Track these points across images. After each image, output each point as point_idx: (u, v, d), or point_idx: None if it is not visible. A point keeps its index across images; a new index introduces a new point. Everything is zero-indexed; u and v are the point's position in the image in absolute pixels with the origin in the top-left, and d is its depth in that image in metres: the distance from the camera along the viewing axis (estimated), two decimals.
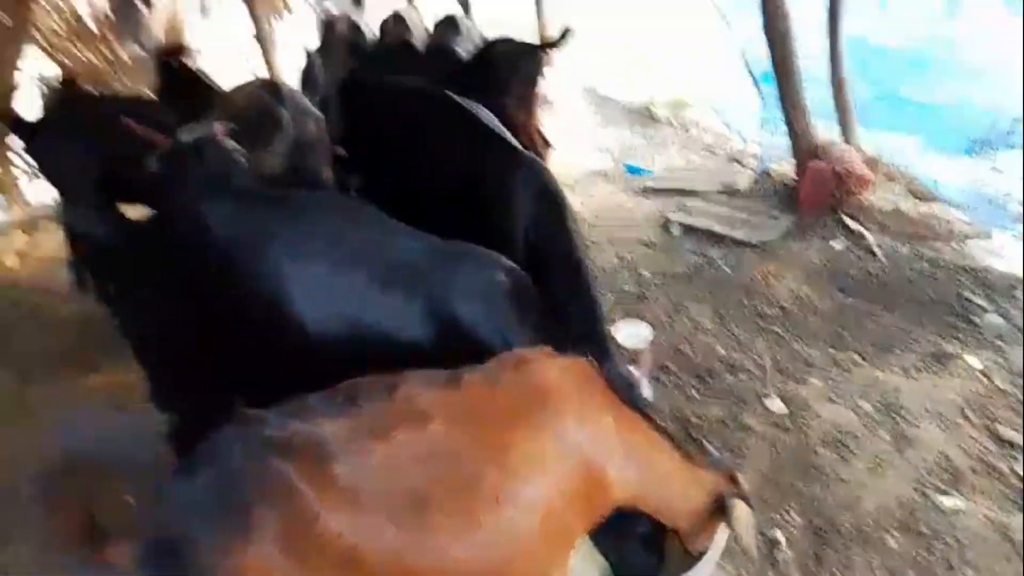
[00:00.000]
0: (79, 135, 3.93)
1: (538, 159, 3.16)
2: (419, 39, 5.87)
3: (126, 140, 3.80)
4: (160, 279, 2.65)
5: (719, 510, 2.08)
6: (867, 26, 5.45)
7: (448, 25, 5.58)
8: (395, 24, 5.85)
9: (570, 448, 1.83)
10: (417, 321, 2.40)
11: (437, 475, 1.60)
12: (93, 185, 3.06)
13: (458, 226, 2.71)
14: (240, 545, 1.41)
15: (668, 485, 2.05)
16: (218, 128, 3.02)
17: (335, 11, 6.56)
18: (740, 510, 2.06)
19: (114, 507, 1.67)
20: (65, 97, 4.77)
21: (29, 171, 7.95)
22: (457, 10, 6.07)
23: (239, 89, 4.00)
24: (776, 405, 3.51)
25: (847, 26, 5.13)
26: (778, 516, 2.94)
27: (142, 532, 1.43)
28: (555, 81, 6.88)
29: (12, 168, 7.62)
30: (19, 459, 3.68)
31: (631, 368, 2.88)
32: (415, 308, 2.40)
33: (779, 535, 2.85)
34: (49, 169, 4.69)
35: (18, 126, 4.63)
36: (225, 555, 1.40)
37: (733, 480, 2.15)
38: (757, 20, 4.95)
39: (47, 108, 4.78)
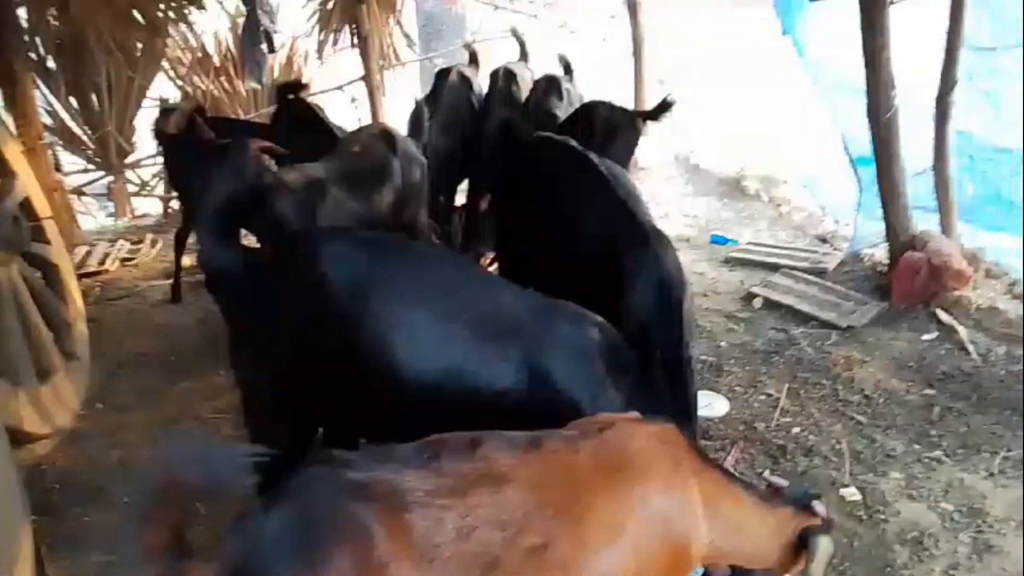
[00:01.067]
0: (204, 157, 4.16)
1: (669, 241, 3.14)
2: (524, 95, 6.05)
3: (245, 167, 4.06)
4: (268, 309, 2.78)
5: (803, 544, 2.04)
6: (977, 122, 5.33)
7: (549, 84, 5.72)
8: (504, 78, 6.02)
9: (653, 516, 1.82)
10: (511, 372, 2.46)
11: (508, 539, 1.60)
12: (214, 209, 3.23)
13: (578, 289, 2.81)
14: None
15: (753, 539, 2.03)
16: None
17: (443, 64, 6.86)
18: (821, 545, 2.02)
19: (201, 531, 1.73)
20: (193, 120, 5.10)
21: (139, 186, 8.55)
22: (558, 71, 6.23)
23: (357, 133, 4.22)
24: (852, 495, 3.39)
25: (956, 120, 5.04)
26: None
27: (224, 559, 1.48)
28: (647, 145, 6.98)
29: (126, 183, 8.19)
30: (99, 455, 3.88)
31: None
32: (511, 360, 2.47)
33: None
34: (178, 185, 5.00)
35: (161, 140, 4.97)
36: None
37: (812, 511, 2.11)
38: (860, 102, 4.95)
39: (178, 129, 5.11)
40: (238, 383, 3.08)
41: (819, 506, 2.14)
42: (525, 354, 2.46)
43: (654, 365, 2.87)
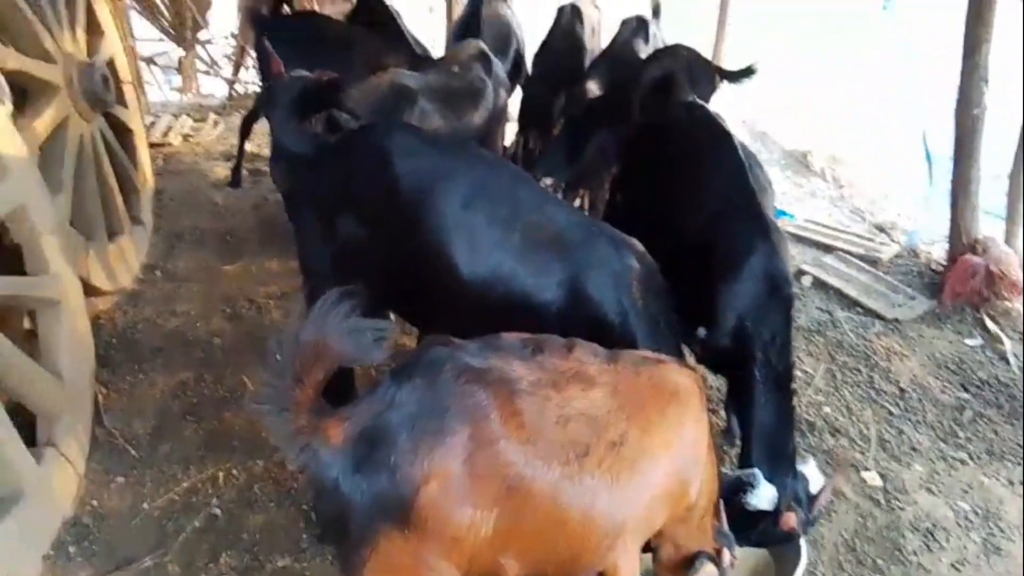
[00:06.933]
0: (291, 44, 4.16)
1: (783, 238, 3.02)
2: (588, 35, 5.96)
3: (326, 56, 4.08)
4: (335, 192, 2.86)
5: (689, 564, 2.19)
6: None
7: (638, 25, 5.62)
8: (569, 15, 5.93)
9: (685, 444, 1.99)
10: (554, 285, 2.59)
11: (596, 432, 1.77)
12: (294, 96, 3.29)
13: (682, 260, 2.86)
14: (432, 448, 1.60)
15: (694, 520, 2.15)
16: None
17: None
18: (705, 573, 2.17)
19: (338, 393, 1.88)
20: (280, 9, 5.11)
21: (208, 64, 8.58)
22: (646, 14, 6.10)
23: (456, 52, 4.22)
24: (873, 479, 3.47)
25: None
26: None
27: (356, 420, 1.65)
28: (714, 104, 6.86)
29: (197, 60, 8.21)
30: (156, 319, 4.03)
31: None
32: (555, 273, 2.59)
33: None
34: (264, 70, 5.04)
35: (256, 21, 4.96)
36: (418, 453, 1.60)
37: (718, 553, 2.25)
38: (949, 94, 4.84)
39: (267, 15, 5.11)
40: (301, 262, 3.16)
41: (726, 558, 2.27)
42: (568, 270, 2.59)
43: (750, 364, 2.81)
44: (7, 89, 3.04)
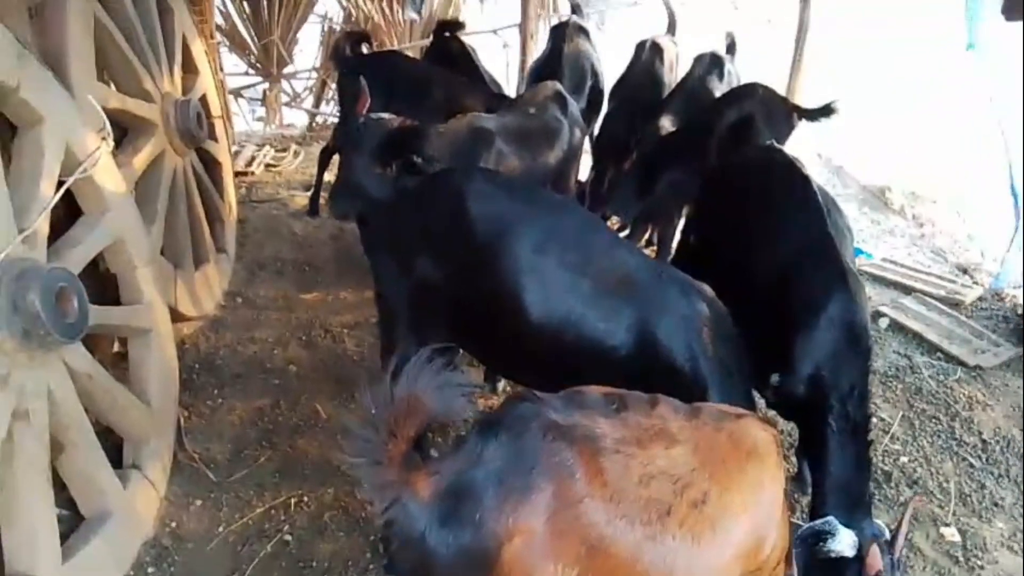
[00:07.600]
0: (371, 82, 4.31)
1: (862, 287, 3.00)
2: (666, 70, 5.99)
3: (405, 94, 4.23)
4: (412, 233, 2.95)
5: None
6: None
7: (712, 62, 5.62)
8: (649, 51, 5.98)
9: (762, 503, 1.97)
10: (623, 329, 2.62)
11: (678, 491, 1.77)
12: (376, 141, 3.42)
13: (754, 306, 2.86)
14: (517, 505, 1.64)
15: (766, 573, 2.09)
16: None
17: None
18: None
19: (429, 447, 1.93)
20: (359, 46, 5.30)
21: (291, 96, 8.91)
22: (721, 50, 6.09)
23: (533, 93, 4.30)
24: (952, 535, 3.34)
25: None
26: None
27: (442, 477, 1.69)
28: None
29: (280, 92, 8.54)
30: (237, 345, 4.19)
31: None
32: (624, 317, 2.62)
33: None
34: (345, 103, 5.25)
35: (338, 59, 5.17)
36: (503, 510, 1.63)
37: None
38: None
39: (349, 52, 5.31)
40: (377, 298, 3.27)
41: None
42: (636, 315, 2.61)
43: (826, 414, 2.76)
44: (109, 127, 3.24)
